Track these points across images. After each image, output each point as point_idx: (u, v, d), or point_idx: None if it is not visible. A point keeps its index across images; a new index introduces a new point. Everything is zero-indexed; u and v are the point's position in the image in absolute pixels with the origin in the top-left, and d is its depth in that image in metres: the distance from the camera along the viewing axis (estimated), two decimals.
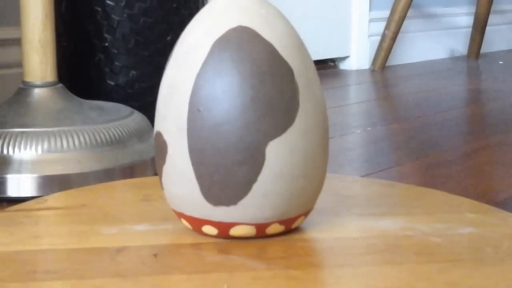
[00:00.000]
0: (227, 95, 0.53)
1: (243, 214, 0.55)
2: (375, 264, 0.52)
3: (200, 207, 0.55)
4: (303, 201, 0.56)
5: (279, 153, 0.53)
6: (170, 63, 0.56)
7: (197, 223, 0.57)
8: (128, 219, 0.61)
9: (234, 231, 0.56)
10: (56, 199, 0.67)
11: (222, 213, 0.55)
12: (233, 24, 0.55)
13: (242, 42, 0.54)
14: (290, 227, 0.57)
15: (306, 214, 0.58)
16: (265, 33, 0.55)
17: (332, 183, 0.74)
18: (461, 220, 0.61)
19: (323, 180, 0.58)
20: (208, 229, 0.57)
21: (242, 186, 0.53)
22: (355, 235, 0.58)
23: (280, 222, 0.56)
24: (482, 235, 0.57)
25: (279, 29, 0.56)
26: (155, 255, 0.53)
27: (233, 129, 0.53)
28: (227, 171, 0.53)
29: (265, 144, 0.53)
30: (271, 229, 0.56)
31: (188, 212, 0.57)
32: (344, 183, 0.73)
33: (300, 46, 0.57)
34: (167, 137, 0.55)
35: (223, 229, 0.56)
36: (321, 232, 0.58)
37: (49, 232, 0.58)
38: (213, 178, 0.54)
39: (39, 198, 0.67)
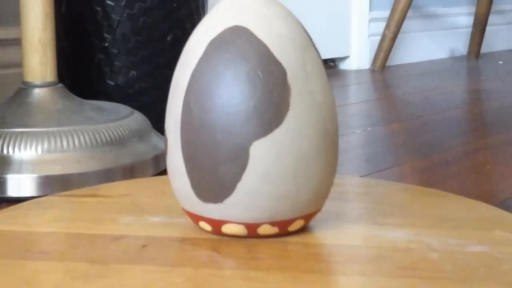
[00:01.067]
0: (217, 94, 0.54)
1: (231, 212, 0.55)
2: (346, 274, 0.51)
3: (194, 203, 0.56)
4: (296, 204, 0.55)
5: (264, 154, 0.53)
6: (178, 62, 0.58)
7: (194, 219, 0.58)
8: (152, 211, 0.64)
9: (226, 229, 0.57)
10: (109, 188, 0.71)
11: (212, 210, 0.56)
12: (230, 23, 0.55)
13: (236, 42, 0.55)
14: (286, 230, 0.57)
15: (306, 217, 0.57)
16: (260, 33, 0.54)
17: (340, 184, 0.73)
18: (480, 237, 0.58)
19: (326, 184, 0.57)
20: (204, 225, 0.58)
21: (227, 185, 0.54)
22: (354, 242, 0.57)
23: (272, 224, 0.56)
24: (491, 255, 0.54)
25: (277, 29, 0.55)
26: (143, 246, 0.55)
27: (220, 127, 0.53)
28: (213, 168, 0.54)
29: (249, 143, 0.53)
30: (262, 230, 0.56)
31: (186, 207, 0.58)
32: (356, 186, 0.73)
33: (302, 47, 0.56)
34: (167, 133, 0.57)
35: (215, 226, 0.57)
36: (321, 237, 0.57)
37: (70, 217, 0.62)
38: (201, 174, 0.55)
39: (94, 186, 0.72)
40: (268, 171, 0.54)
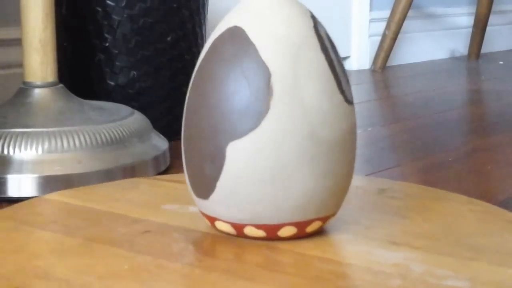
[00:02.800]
0: (207, 93, 0.55)
1: (217, 210, 0.56)
2: None
3: (193, 196, 0.58)
4: (278, 210, 0.54)
5: (239, 156, 0.53)
6: None
7: (200, 211, 0.59)
8: (191, 201, 0.66)
9: (218, 226, 0.58)
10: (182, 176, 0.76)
11: (204, 206, 0.57)
12: (231, 24, 0.56)
13: (230, 43, 0.55)
14: (274, 235, 0.56)
15: (297, 225, 0.56)
16: (253, 34, 0.54)
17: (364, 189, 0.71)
18: (469, 268, 0.53)
19: (319, 194, 0.55)
20: (205, 219, 0.59)
21: (209, 182, 0.55)
22: (334, 257, 0.54)
23: (257, 227, 0.56)
24: None
25: (273, 29, 0.54)
26: (144, 232, 0.59)
27: (205, 125, 0.54)
28: (199, 165, 0.55)
29: (226, 144, 0.53)
30: (248, 231, 0.56)
31: (191, 199, 0.60)
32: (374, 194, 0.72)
33: (297, 49, 0.54)
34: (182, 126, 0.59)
35: (210, 221, 0.58)
36: (312, 248, 0.56)
37: (122, 198, 0.68)
38: (193, 169, 0.56)
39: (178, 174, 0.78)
40: (243, 173, 0.53)
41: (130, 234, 0.59)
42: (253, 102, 0.53)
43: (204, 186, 0.55)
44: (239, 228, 0.56)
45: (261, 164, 0.53)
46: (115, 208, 0.65)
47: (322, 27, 0.57)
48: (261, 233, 0.56)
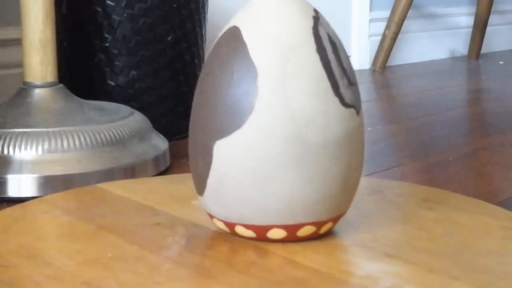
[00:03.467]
0: (202, 90, 0.56)
1: (210, 206, 0.56)
2: None
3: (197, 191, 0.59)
4: (263, 211, 0.54)
5: (224, 155, 0.53)
6: None
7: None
8: None
9: (215, 223, 0.58)
10: None
11: (201, 201, 0.58)
12: (232, 23, 0.56)
13: (226, 42, 0.55)
14: (263, 236, 0.56)
15: (286, 228, 0.55)
16: (246, 34, 0.54)
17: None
18: None
19: (309, 197, 0.54)
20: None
21: (201, 179, 0.56)
22: (320, 268, 0.52)
23: (246, 227, 0.55)
24: None
25: (267, 31, 0.54)
26: (156, 224, 0.61)
27: (198, 122, 0.55)
28: (194, 161, 0.56)
29: (213, 142, 0.54)
30: (239, 230, 0.56)
31: None
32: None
33: (289, 49, 0.53)
34: None
35: (210, 217, 0.59)
36: (295, 252, 0.55)
37: (162, 191, 0.70)
38: (191, 165, 0.57)
39: None
40: (227, 173, 0.53)
41: (140, 225, 0.61)
42: (239, 101, 0.53)
43: (199, 183, 0.56)
44: (231, 226, 0.56)
45: (244, 164, 0.53)
46: (148, 200, 0.67)
47: (326, 27, 0.56)
48: (250, 233, 0.56)
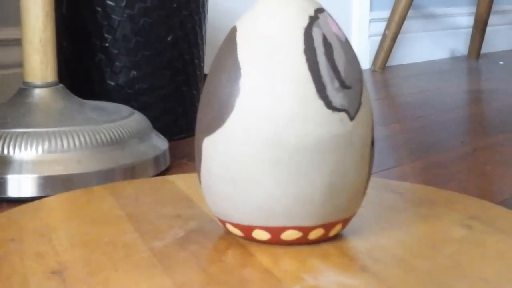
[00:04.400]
0: (204, 88, 0.57)
1: (208, 202, 0.57)
2: None
3: None
4: (242, 211, 0.54)
5: (209, 152, 0.54)
6: None
7: None
8: None
9: (215, 217, 0.59)
10: None
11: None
12: (235, 22, 0.57)
13: (224, 41, 0.56)
14: (249, 236, 0.55)
15: (270, 230, 0.54)
16: (240, 33, 0.54)
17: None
18: None
19: (290, 199, 0.52)
20: None
21: (198, 174, 0.57)
22: (277, 273, 0.51)
23: (234, 225, 0.55)
24: None
25: (257, 30, 0.53)
26: (176, 216, 0.63)
27: (198, 119, 0.57)
28: (194, 155, 0.58)
29: (202, 139, 0.55)
30: (229, 228, 0.57)
31: None
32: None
33: (277, 50, 0.52)
34: None
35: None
36: (276, 255, 0.54)
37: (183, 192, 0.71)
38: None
39: None
40: (212, 169, 0.54)
41: (162, 216, 0.63)
42: (224, 100, 0.53)
43: (198, 179, 0.58)
44: (222, 223, 0.57)
45: (225, 162, 0.53)
46: (193, 194, 0.70)
47: (325, 27, 0.54)
48: (238, 232, 0.56)
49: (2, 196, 0.82)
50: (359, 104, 0.54)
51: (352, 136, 0.53)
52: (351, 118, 0.53)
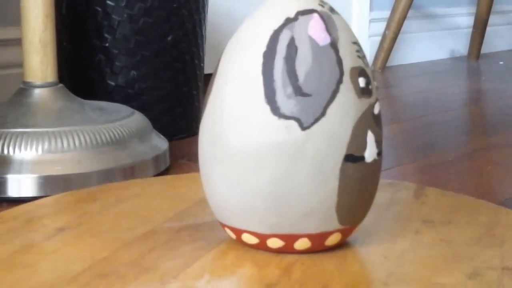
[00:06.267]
0: None
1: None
2: None
3: None
4: (214, 209, 0.54)
5: (198, 150, 0.55)
6: None
7: None
8: None
9: None
10: None
11: None
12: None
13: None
14: (239, 238, 0.54)
15: (232, 230, 0.54)
16: (234, 36, 0.54)
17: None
18: None
19: (238, 201, 0.52)
20: None
21: None
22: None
23: (228, 228, 0.55)
24: None
25: (239, 32, 0.53)
26: (183, 210, 0.62)
27: None
28: None
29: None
30: (226, 230, 0.56)
31: None
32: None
33: (240, 52, 0.52)
34: None
35: None
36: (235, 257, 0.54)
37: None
38: None
39: None
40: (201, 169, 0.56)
41: (170, 210, 0.64)
42: (200, 100, 0.56)
43: None
44: (222, 226, 0.58)
45: (200, 167, 0.55)
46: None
47: (297, 30, 0.51)
48: (232, 235, 0.55)
49: (2, 196, 0.82)
50: (321, 115, 0.50)
51: (303, 147, 0.50)
52: (303, 127, 0.50)
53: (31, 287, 0.49)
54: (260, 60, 0.51)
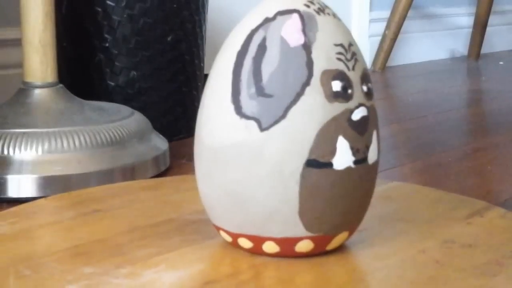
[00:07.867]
0: None
1: None
2: None
3: None
4: (217, 217, 0.53)
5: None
6: None
7: None
8: None
9: None
10: None
11: None
12: None
13: None
14: (235, 243, 0.53)
15: (230, 234, 0.53)
16: (230, 34, 0.54)
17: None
18: None
19: (216, 199, 0.52)
20: None
21: None
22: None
23: (222, 230, 0.54)
24: None
25: (234, 33, 0.53)
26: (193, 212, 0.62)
27: None
28: None
29: None
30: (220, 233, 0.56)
31: None
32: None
33: (222, 52, 0.52)
34: None
35: None
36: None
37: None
38: None
39: None
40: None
41: (181, 202, 0.65)
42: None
43: None
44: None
45: (196, 170, 0.55)
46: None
47: (271, 30, 0.51)
48: (228, 238, 0.55)
49: (2, 196, 0.82)
50: (281, 117, 0.49)
51: (262, 148, 0.49)
52: (262, 128, 0.49)
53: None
54: (233, 59, 0.51)
